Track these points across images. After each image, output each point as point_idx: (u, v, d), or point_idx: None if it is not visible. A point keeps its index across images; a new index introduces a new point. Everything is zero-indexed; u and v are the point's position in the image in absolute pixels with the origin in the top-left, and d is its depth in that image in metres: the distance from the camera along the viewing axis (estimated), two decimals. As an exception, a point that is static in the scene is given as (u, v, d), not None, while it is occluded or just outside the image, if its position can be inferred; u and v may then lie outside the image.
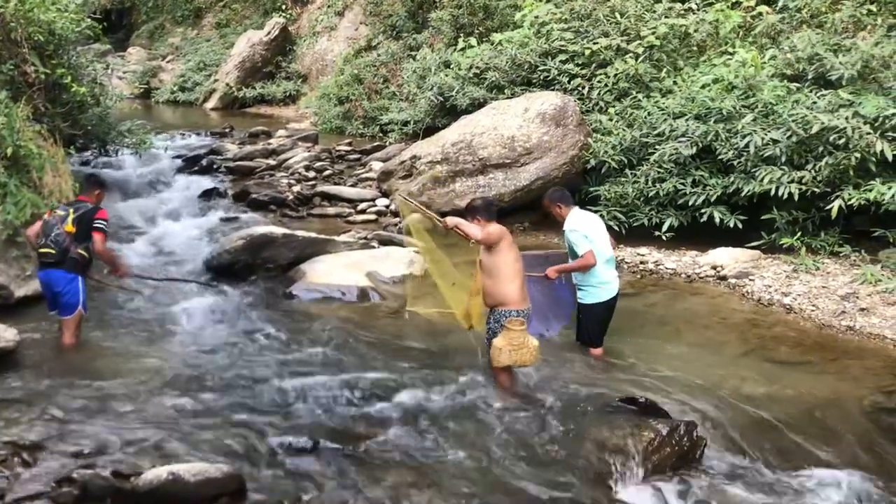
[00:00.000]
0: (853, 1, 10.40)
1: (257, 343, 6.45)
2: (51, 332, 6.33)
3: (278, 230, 8.53)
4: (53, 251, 5.94)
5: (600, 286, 6.06)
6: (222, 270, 8.29)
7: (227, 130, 16.57)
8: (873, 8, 10.20)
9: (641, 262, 8.78)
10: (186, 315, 7.12)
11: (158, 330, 6.78)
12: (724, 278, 8.17)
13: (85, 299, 6.08)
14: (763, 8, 11.57)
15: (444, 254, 6.06)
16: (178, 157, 13.39)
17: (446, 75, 13.40)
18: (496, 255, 5.34)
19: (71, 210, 6.08)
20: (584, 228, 5.97)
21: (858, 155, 7.68)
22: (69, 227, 5.97)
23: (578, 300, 6.17)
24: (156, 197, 11.44)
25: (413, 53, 16.65)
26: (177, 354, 6.19)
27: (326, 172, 12.77)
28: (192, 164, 13.03)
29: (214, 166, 13.01)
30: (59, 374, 5.60)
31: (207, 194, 11.51)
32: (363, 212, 10.96)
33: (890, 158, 7.55)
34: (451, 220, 5.44)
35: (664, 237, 9.07)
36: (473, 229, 5.33)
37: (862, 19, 10.15)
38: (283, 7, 23.84)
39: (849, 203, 7.74)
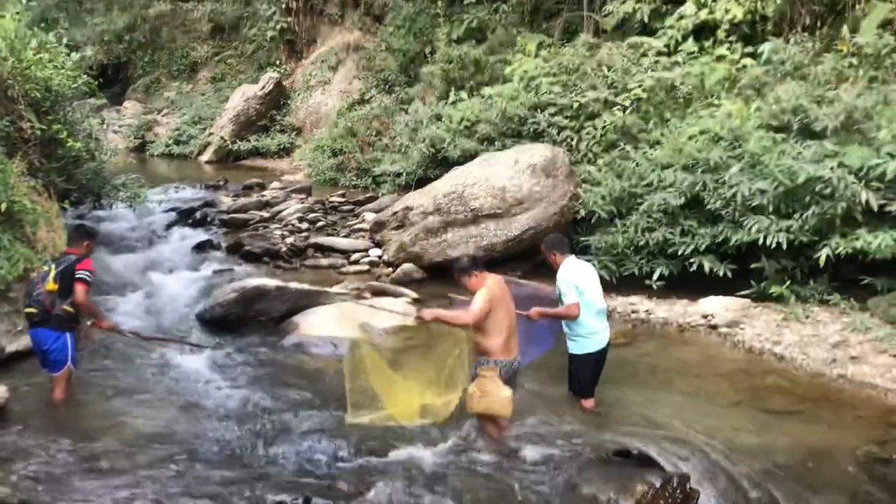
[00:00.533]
0: (835, 54, 10.64)
1: (249, 397, 6.42)
2: (42, 387, 6.29)
3: (271, 282, 8.54)
4: (36, 311, 5.87)
5: (590, 336, 6.04)
6: (215, 323, 8.29)
7: (221, 183, 16.71)
8: (854, 61, 10.42)
9: (633, 312, 8.81)
10: (178, 369, 7.09)
11: (149, 385, 6.74)
12: (715, 327, 8.20)
13: (74, 355, 6.01)
14: (747, 61, 11.80)
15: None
16: (172, 209, 13.48)
17: (438, 128, 13.60)
18: (488, 316, 5.33)
19: (53, 266, 5.96)
20: (576, 278, 5.96)
21: (844, 204, 7.79)
22: (50, 285, 5.84)
23: (569, 350, 6.16)
24: (150, 250, 11.47)
25: (405, 107, 16.92)
26: (168, 410, 6.14)
27: (320, 224, 12.85)
28: (186, 217, 13.11)
29: (208, 219, 13.10)
30: (48, 430, 5.56)
31: (201, 247, 11.56)
32: (356, 262, 11.00)
33: (875, 208, 7.65)
34: (428, 314, 5.30)
35: (655, 286, 9.12)
36: (461, 315, 5.24)
37: (844, 72, 10.36)
38: (278, 62, 24.23)
39: (836, 252, 7.81)
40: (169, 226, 12.71)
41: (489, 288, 5.35)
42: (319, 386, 6.65)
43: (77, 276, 5.88)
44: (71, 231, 6.73)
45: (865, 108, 8.86)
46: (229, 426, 5.76)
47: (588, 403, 6.19)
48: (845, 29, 11.00)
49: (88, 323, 6.12)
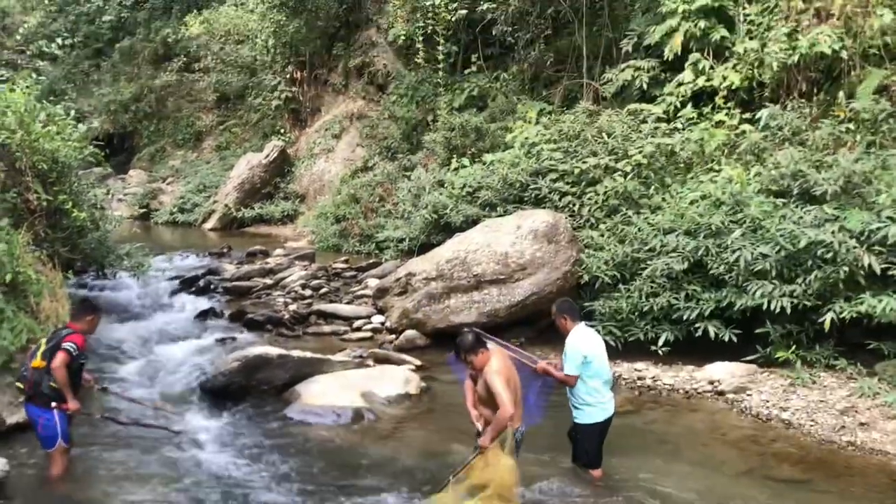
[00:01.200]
0: (832, 119, 10.79)
1: (251, 469, 6.34)
2: (43, 460, 6.21)
3: (273, 351, 8.50)
4: (23, 386, 5.82)
5: (598, 405, 5.99)
6: (217, 393, 8.21)
7: (224, 250, 16.78)
8: (851, 126, 10.56)
9: (639, 378, 8.74)
10: (180, 442, 7.01)
11: (150, 459, 6.64)
12: (721, 393, 8.12)
13: (65, 430, 5.88)
14: (746, 126, 11.96)
15: None
16: (175, 277, 13.52)
17: (440, 194, 13.71)
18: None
19: (44, 342, 5.88)
20: (585, 348, 5.94)
21: (847, 268, 7.79)
22: (37, 361, 5.77)
23: (574, 420, 6.09)
24: (153, 319, 11.46)
25: (408, 173, 17.08)
26: (167, 486, 6.04)
27: (323, 290, 12.85)
28: (189, 285, 13.14)
29: (212, 286, 13.11)
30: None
31: (204, 315, 11.55)
32: (359, 329, 10.96)
33: (878, 272, 7.65)
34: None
35: (661, 352, 9.06)
36: (504, 410, 5.23)
37: (841, 137, 10.49)
38: (282, 130, 24.58)
39: (841, 316, 7.78)
40: (172, 294, 12.72)
41: (501, 365, 5.39)
42: (321, 457, 6.56)
43: (62, 346, 5.77)
44: (76, 304, 6.66)
45: (864, 172, 8.94)
46: (232, 499, 5.66)
47: (597, 473, 6.12)
48: (842, 95, 11.18)
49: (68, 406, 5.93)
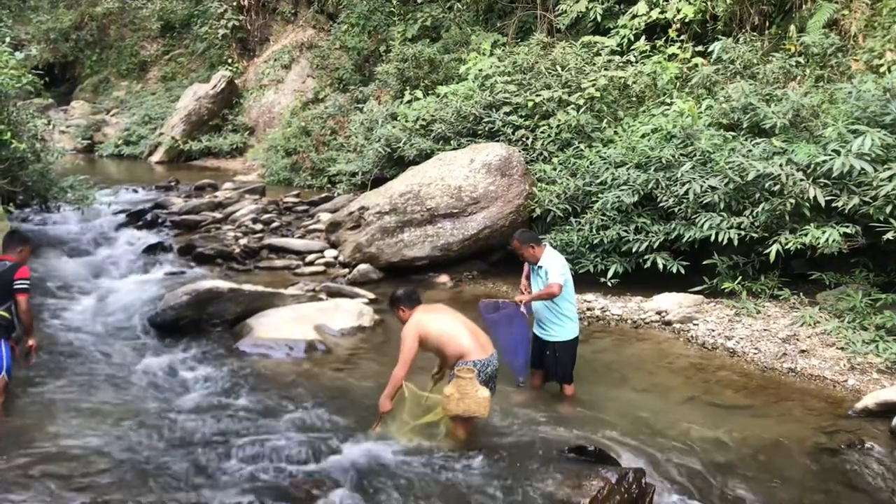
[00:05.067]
0: (783, 53, 10.85)
1: (202, 402, 6.30)
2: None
3: (224, 285, 8.39)
4: None
5: (575, 320, 6.43)
6: (167, 327, 8.10)
7: (172, 184, 16.46)
8: (801, 60, 10.64)
9: (588, 309, 8.86)
10: (128, 375, 6.94)
11: (96, 393, 6.53)
12: (668, 323, 8.30)
13: (10, 364, 5.73)
14: (698, 60, 11.99)
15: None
16: (122, 211, 13.24)
17: (393, 127, 13.55)
18: (432, 340, 5.51)
19: None
20: (565, 264, 6.38)
21: (793, 201, 7.92)
22: None
23: (555, 339, 6.34)
24: (99, 253, 11.24)
25: (360, 106, 16.83)
26: (113, 419, 5.95)
27: (274, 225, 12.70)
28: (136, 219, 12.88)
29: (159, 221, 12.86)
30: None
31: (152, 249, 11.33)
32: (311, 263, 10.88)
33: (823, 204, 7.80)
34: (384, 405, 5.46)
35: (610, 283, 9.19)
36: (395, 373, 5.40)
37: (791, 70, 10.58)
38: (230, 60, 23.93)
39: (786, 247, 7.95)
40: (119, 228, 12.45)
41: (415, 319, 5.52)
42: (273, 390, 6.55)
43: (16, 286, 5.67)
44: (5, 237, 6.42)
45: (812, 106, 9.03)
46: (179, 433, 5.64)
47: (572, 389, 6.43)
48: (793, 28, 11.25)
49: (30, 342, 5.90)
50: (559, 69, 12.36)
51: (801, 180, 7.92)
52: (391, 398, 5.44)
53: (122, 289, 9.70)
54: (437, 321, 5.54)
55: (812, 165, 8.03)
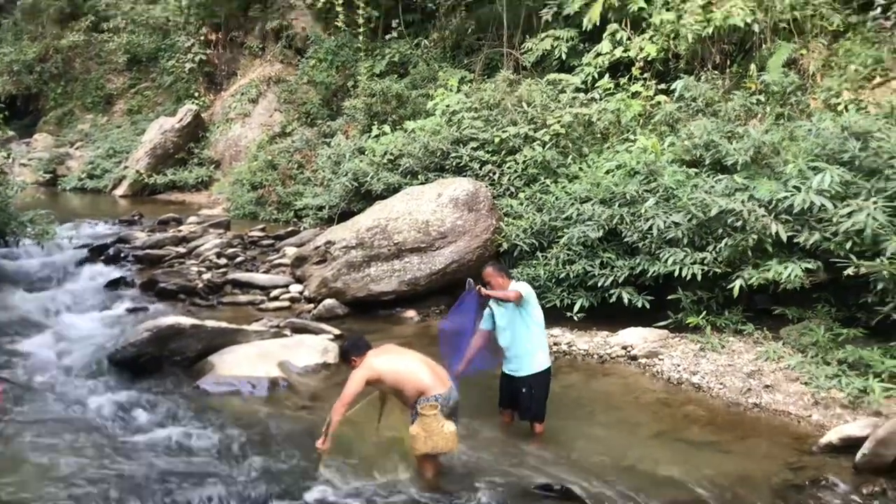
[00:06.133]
0: (744, 91, 11.06)
1: (159, 443, 6.15)
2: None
3: (186, 321, 8.25)
4: None
5: (547, 351, 6.41)
6: (127, 364, 7.92)
7: (135, 218, 16.25)
8: (761, 98, 10.85)
9: (555, 344, 8.83)
10: (85, 413, 6.76)
11: (51, 429, 6.38)
12: (634, 358, 8.30)
13: None
14: (661, 97, 12.17)
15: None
16: (83, 246, 13.00)
17: (361, 161, 13.55)
18: (387, 381, 5.46)
19: None
20: (530, 289, 6.41)
21: (755, 236, 8.01)
22: None
23: (528, 372, 6.24)
24: (59, 289, 11.00)
25: (328, 140, 16.82)
26: (68, 457, 5.80)
27: (238, 259, 12.56)
28: (98, 254, 12.65)
29: (122, 255, 12.66)
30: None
31: (114, 284, 11.16)
32: (276, 299, 10.76)
33: (785, 239, 7.90)
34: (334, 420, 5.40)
35: (576, 318, 9.19)
36: (336, 407, 5.35)
37: (752, 108, 10.77)
38: (197, 94, 23.82)
39: (749, 283, 8.01)
40: (80, 263, 12.21)
41: (366, 364, 5.48)
42: (234, 430, 6.41)
43: None
44: None
45: (773, 143, 9.18)
46: (133, 474, 5.49)
47: (541, 427, 6.33)
48: (753, 67, 11.47)
49: None
50: (525, 106, 12.48)
51: (763, 216, 8.02)
52: (328, 438, 5.34)
53: (81, 325, 9.51)
54: (390, 362, 5.49)
55: (773, 201, 8.14)
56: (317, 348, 8.40)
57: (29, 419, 6.60)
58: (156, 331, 7.94)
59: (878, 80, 10.62)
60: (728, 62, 12.55)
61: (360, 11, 18.12)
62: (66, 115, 27.27)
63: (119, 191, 21.58)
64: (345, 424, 5.44)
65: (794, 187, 8.06)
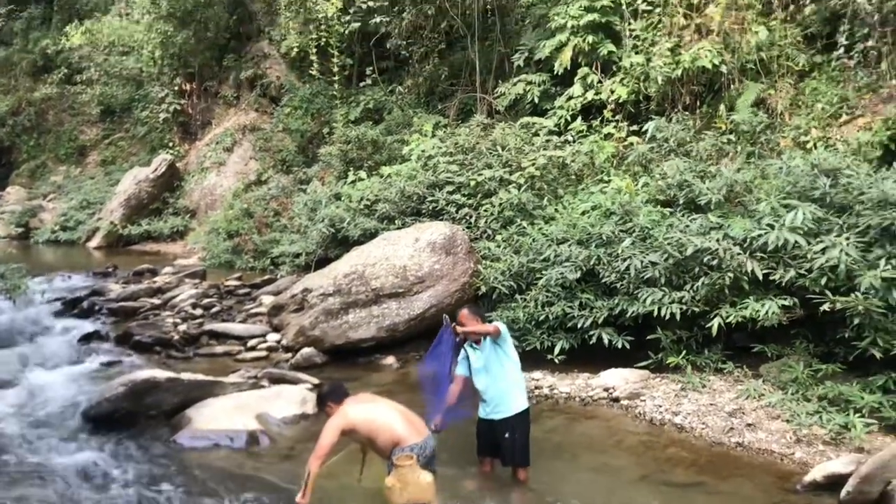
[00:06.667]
0: (714, 131, 11.23)
1: (136, 501, 6.00)
2: None
3: (161, 374, 8.10)
4: None
5: (525, 392, 6.30)
6: (102, 420, 7.76)
7: (110, 270, 16.09)
8: (732, 137, 11.02)
9: (537, 388, 8.78)
10: (58, 472, 6.59)
11: (21, 489, 6.20)
12: (616, 400, 8.26)
13: None
14: (634, 139, 12.33)
15: None
16: (56, 299, 12.86)
17: (337, 207, 13.54)
18: (361, 431, 5.40)
19: None
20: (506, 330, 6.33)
21: (732, 274, 8.06)
22: None
23: (509, 413, 6.14)
24: (31, 344, 10.80)
25: (303, 187, 16.84)
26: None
27: (214, 309, 12.44)
28: (71, 307, 12.51)
29: (96, 308, 12.51)
30: None
31: (87, 338, 10.98)
32: (253, 348, 10.63)
33: (760, 277, 7.95)
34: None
35: (557, 360, 9.14)
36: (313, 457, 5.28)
37: (723, 148, 10.93)
38: (171, 144, 23.83)
39: (727, 321, 8.04)
40: (53, 317, 12.04)
41: (340, 413, 5.43)
42: (212, 486, 6.27)
43: None
44: None
45: (745, 181, 9.30)
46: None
47: (525, 474, 6.22)
48: (722, 108, 11.69)
49: None
50: (500, 149, 12.58)
51: (739, 254, 8.08)
52: (307, 491, 5.23)
53: (54, 380, 9.30)
54: (365, 412, 5.42)
55: (748, 239, 8.21)
56: (295, 399, 8.27)
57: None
58: (131, 385, 7.81)
59: (844, 117, 10.85)
60: (698, 103, 12.77)
61: (335, 59, 18.31)
62: (39, 168, 27.14)
63: (93, 242, 21.41)
64: (325, 477, 5.34)
65: (768, 225, 8.14)
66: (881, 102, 10.64)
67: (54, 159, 27.15)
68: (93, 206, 22.75)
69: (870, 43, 10.91)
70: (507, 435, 6.17)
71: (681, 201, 9.68)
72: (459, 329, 6.05)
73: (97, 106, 26.84)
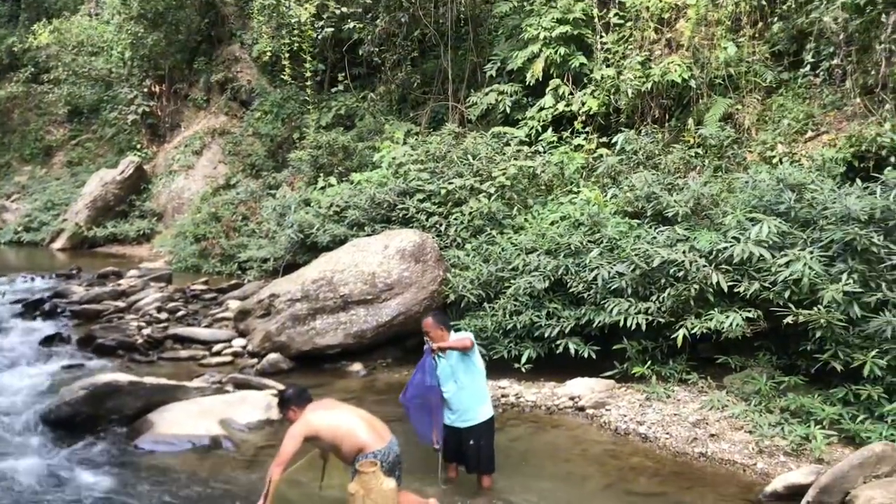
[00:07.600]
0: (682, 144, 11.36)
1: (95, 506, 5.91)
2: None
3: (124, 378, 7.99)
4: None
5: (489, 401, 6.32)
6: (62, 424, 7.63)
7: (74, 272, 15.86)
8: (700, 151, 11.16)
9: (503, 396, 8.78)
10: (13, 477, 6.45)
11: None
12: (582, 409, 8.29)
13: None
14: (603, 150, 12.44)
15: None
16: (17, 301, 12.65)
17: (307, 213, 13.47)
18: (325, 438, 5.37)
19: None
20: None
21: (697, 286, 8.14)
22: None
23: (474, 421, 6.16)
24: (-11, 345, 10.61)
25: (273, 192, 16.74)
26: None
27: (180, 313, 12.30)
28: (33, 309, 12.31)
29: (58, 310, 12.33)
30: None
31: (49, 340, 10.81)
32: (218, 353, 10.52)
33: (725, 289, 8.04)
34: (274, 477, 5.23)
35: (523, 369, 9.16)
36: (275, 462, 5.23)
37: (691, 161, 11.07)
38: (139, 146, 23.58)
39: (692, 332, 8.11)
40: (13, 318, 11.83)
41: (303, 419, 5.39)
42: (172, 491, 6.19)
43: None
44: None
45: (712, 195, 9.41)
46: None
47: (489, 481, 6.25)
48: (691, 122, 11.84)
49: None
50: (471, 158, 12.61)
51: (704, 266, 8.17)
52: (269, 499, 5.17)
53: (13, 383, 9.13)
54: (328, 418, 5.38)
55: (714, 252, 8.31)
56: (260, 405, 8.19)
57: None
58: (92, 388, 7.69)
59: (809, 133, 11.02)
60: (667, 116, 12.92)
61: (307, 65, 18.25)
62: (3, 167, 26.71)
63: (57, 244, 21.09)
64: (286, 484, 5.29)
65: (734, 238, 8.24)
66: (845, 120, 10.83)
67: (19, 159, 26.73)
68: (58, 208, 22.44)
69: (835, 61, 11.12)
70: (472, 442, 6.19)
71: (648, 213, 9.77)
72: (435, 346, 6.06)
73: (64, 106, 26.50)
